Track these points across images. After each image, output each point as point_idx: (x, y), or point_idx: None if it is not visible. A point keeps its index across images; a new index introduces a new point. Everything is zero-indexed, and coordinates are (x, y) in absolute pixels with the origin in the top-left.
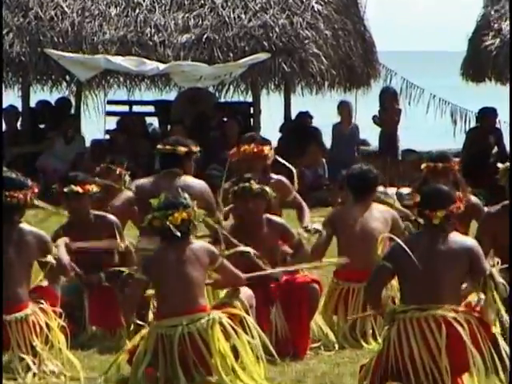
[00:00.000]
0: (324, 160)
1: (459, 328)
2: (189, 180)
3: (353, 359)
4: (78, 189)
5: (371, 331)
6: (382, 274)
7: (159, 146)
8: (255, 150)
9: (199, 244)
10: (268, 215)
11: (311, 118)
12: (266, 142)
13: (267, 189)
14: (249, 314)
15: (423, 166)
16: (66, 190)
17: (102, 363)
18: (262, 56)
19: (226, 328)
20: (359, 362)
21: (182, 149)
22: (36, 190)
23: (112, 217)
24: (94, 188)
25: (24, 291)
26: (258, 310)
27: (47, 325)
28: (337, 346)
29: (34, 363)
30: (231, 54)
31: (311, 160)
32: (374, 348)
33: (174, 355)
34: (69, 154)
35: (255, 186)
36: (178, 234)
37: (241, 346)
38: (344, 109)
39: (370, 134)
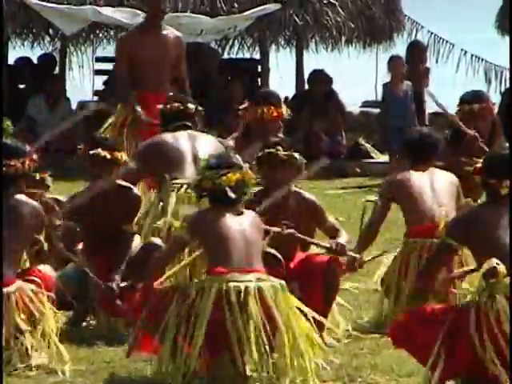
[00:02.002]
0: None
1: None
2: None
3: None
4: (106, 154)
5: None
6: (443, 252)
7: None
8: (275, 114)
9: (252, 213)
10: (299, 189)
11: (329, 78)
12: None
13: (296, 155)
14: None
15: (457, 108)
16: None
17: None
18: (271, 7)
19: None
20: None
21: (191, 106)
22: (35, 157)
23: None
24: (123, 156)
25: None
26: None
27: (33, 308)
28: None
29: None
30: (236, 5)
31: (330, 124)
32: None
33: (251, 309)
34: (52, 120)
35: (282, 152)
36: (233, 195)
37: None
38: (396, 65)
39: None
